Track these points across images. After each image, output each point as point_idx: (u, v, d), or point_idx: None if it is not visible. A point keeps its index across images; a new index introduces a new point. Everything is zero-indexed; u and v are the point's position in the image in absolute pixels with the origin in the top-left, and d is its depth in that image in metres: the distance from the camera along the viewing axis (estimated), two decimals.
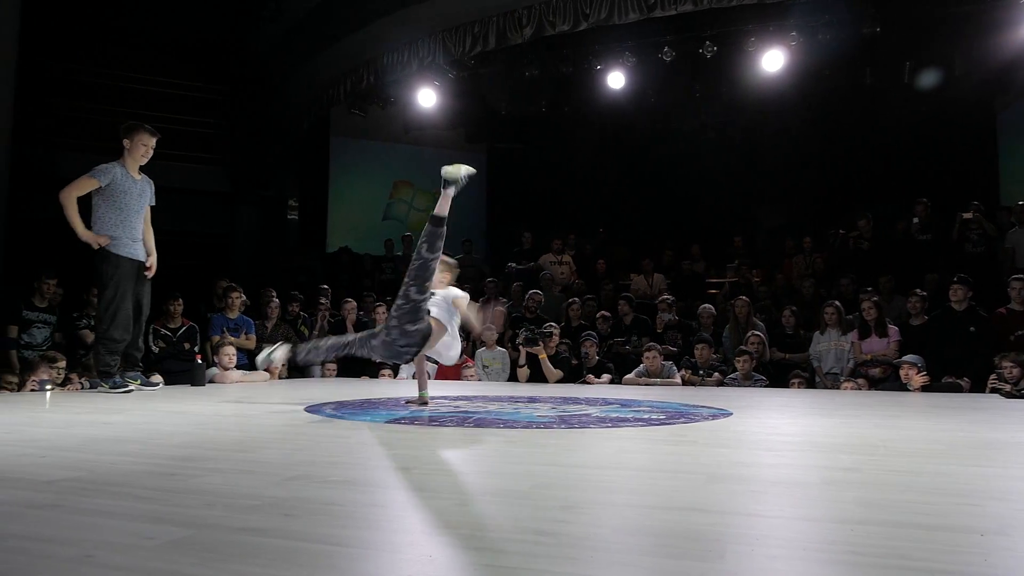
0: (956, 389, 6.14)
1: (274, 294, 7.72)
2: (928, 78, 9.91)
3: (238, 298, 7.07)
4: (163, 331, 6.56)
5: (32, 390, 5.12)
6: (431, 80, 10.30)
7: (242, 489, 1.80)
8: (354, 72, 10.01)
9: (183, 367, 6.19)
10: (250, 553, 1.26)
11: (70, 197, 4.73)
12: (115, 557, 1.23)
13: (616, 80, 9.97)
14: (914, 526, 1.51)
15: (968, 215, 8.58)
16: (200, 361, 5.90)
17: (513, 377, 7.35)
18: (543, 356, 7.01)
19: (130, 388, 4.94)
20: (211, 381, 5.99)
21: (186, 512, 1.55)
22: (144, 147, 5.03)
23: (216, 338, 6.77)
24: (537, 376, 7.04)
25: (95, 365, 5.10)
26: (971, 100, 10.60)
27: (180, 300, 6.73)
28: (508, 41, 8.51)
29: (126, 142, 4.99)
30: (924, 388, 6.01)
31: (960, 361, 6.35)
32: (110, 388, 4.88)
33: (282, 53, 10.66)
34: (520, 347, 7.10)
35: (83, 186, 4.79)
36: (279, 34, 10.47)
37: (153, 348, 6.41)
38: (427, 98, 10.61)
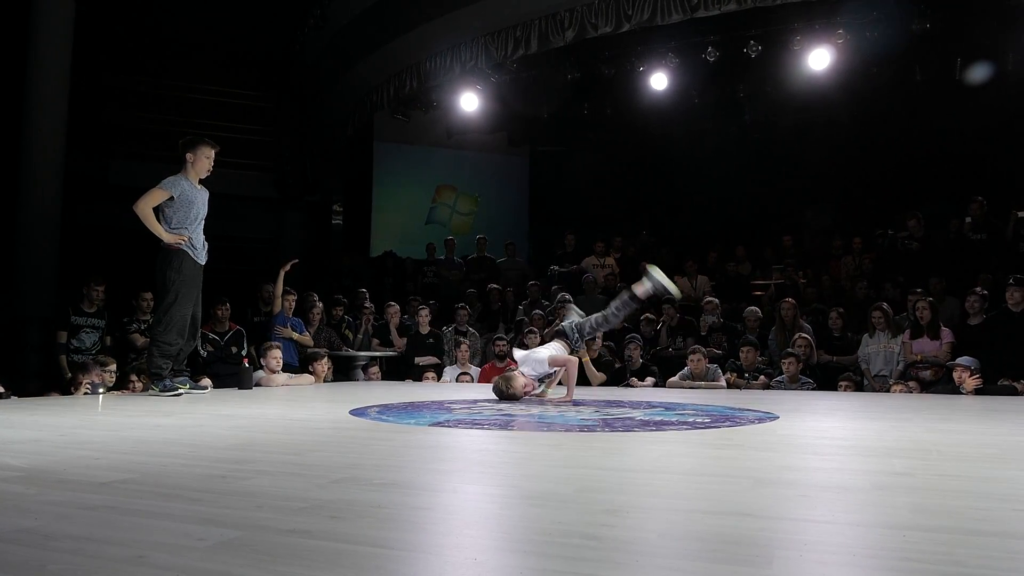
0: (1011, 392, 5.94)
1: (316, 298, 7.84)
2: (979, 73, 9.64)
3: (293, 300, 7.25)
4: (211, 335, 6.70)
5: (85, 393, 5.24)
6: (473, 84, 10.36)
7: (290, 491, 1.84)
8: (397, 77, 10.12)
9: (230, 371, 6.29)
10: (298, 555, 1.28)
11: (147, 207, 4.89)
12: (167, 558, 1.26)
13: (659, 81, 9.89)
14: (968, 532, 1.47)
15: (1023, 213, 8.31)
16: (247, 364, 6.01)
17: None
18: (586, 359, 7.00)
19: (180, 391, 5.04)
20: (257, 384, 6.09)
21: (235, 514, 1.58)
22: (207, 160, 5.18)
23: (283, 329, 6.96)
24: (580, 379, 7.01)
25: (147, 368, 5.23)
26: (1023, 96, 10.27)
27: (227, 305, 6.87)
28: (550, 44, 8.51)
29: (189, 156, 5.12)
30: (977, 391, 5.83)
31: (1016, 364, 6.15)
32: (160, 391, 4.99)
33: (327, 60, 10.84)
34: None
35: (157, 197, 4.95)
36: (324, 42, 10.65)
37: (201, 352, 6.50)
38: (469, 102, 10.67)
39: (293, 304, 7.28)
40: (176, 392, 5.00)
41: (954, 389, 6.06)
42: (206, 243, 5.20)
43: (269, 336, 6.96)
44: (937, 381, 6.51)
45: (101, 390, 5.28)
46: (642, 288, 5.07)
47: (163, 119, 11.10)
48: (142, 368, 5.77)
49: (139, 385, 5.67)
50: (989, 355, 6.23)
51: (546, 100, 11.58)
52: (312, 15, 10.24)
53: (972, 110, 10.33)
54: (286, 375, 6.41)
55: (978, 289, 6.94)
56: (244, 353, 6.68)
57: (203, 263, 5.20)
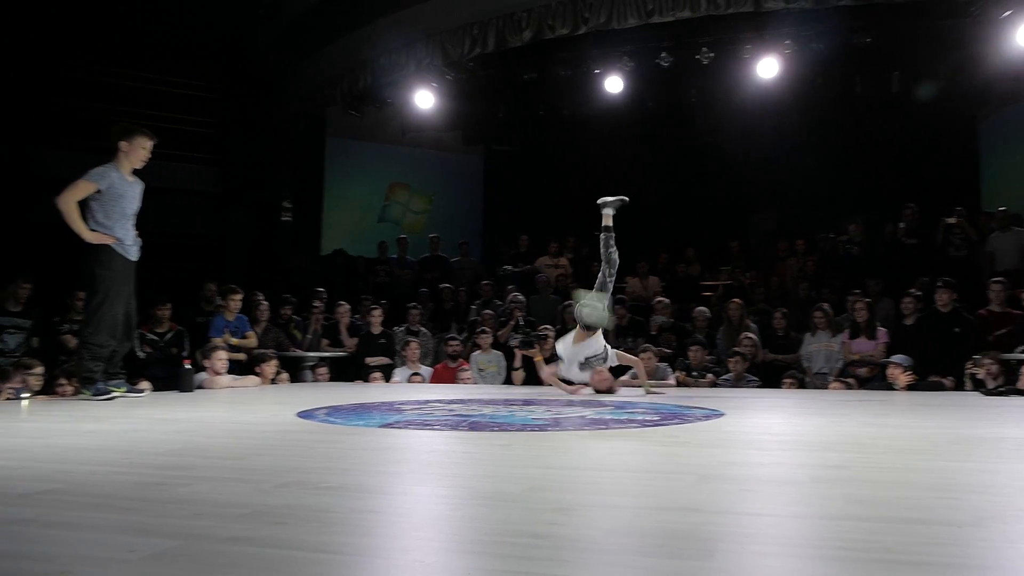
0: (939, 388, 6.23)
1: (262, 297, 7.68)
2: (915, 88, 10.08)
3: (238, 300, 7.00)
4: (150, 336, 6.47)
5: (8, 399, 4.88)
6: (429, 82, 10.29)
7: (231, 497, 1.79)
8: (351, 73, 9.99)
9: (171, 372, 6.01)
10: (239, 563, 1.24)
11: (70, 201, 4.59)
12: (93, 572, 1.20)
13: (614, 84, 9.99)
14: (898, 520, 1.54)
15: (952, 220, 8.73)
16: (188, 366, 5.80)
17: (508, 380, 7.36)
18: (539, 359, 7.01)
19: (113, 395, 4.76)
20: (200, 387, 5.87)
21: (172, 523, 1.51)
22: (143, 151, 4.88)
23: (218, 340, 6.73)
24: (533, 379, 7.05)
25: (77, 371, 4.92)
26: (955, 110, 10.79)
27: (168, 304, 6.64)
28: (507, 44, 8.52)
29: (124, 145, 4.82)
30: (909, 387, 6.08)
31: (945, 361, 6.44)
32: (92, 395, 4.71)
33: (278, 52, 10.63)
34: (516, 350, 7.12)
35: (82, 190, 4.64)
36: (275, 33, 10.45)
37: (139, 353, 6.25)
38: (424, 100, 10.59)
39: (239, 303, 7.10)
40: (109, 396, 4.73)
41: (888, 385, 6.31)
42: (139, 239, 4.90)
43: (209, 332, 6.78)
44: (873, 378, 6.77)
45: (26, 395, 4.89)
46: (606, 219, 5.67)
47: (98, 107, 10.65)
48: (72, 371, 5.36)
49: (69, 389, 5.31)
50: (921, 353, 6.51)
51: (502, 100, 11.59)
52: (264, 5, 10.05)
53: (906, 121, 10.78)
54: (230, 377, 6.20)
55: (912, 291, 7.24)
56: (186, 354, 6.46)
57: (134, 259, 4.89)
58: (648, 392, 5.48)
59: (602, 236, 5.64)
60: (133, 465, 2.30)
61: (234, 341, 6.72)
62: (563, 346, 5.60)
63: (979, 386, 5.81)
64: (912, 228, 8.91)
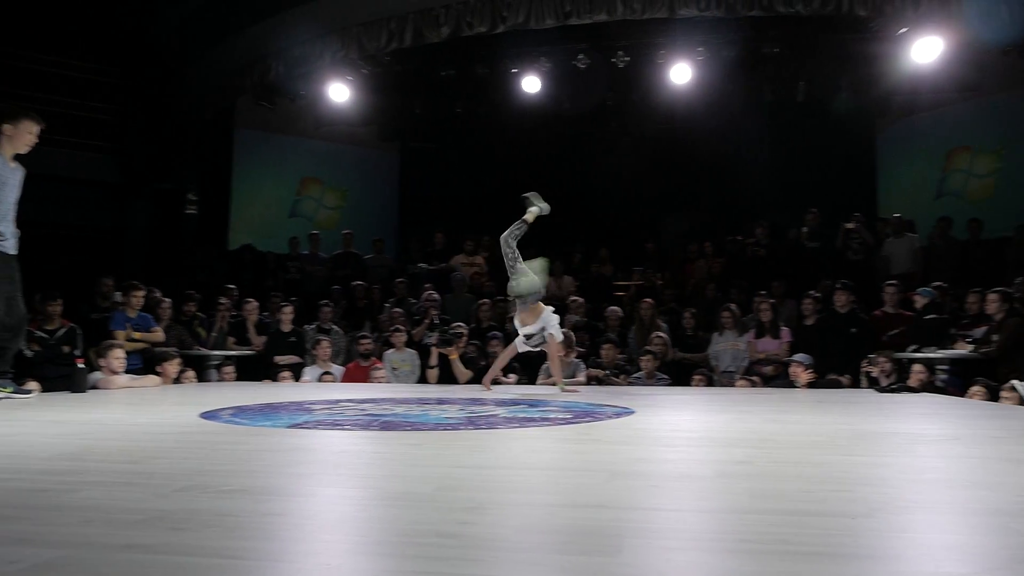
0: (837, 385, 6.57)
1: (159, 294, 7.38)
2: (819, 97, 10.63)
3: (140, 296, 6.75)
4: (38, 333, 6.08)
5: None
6: (344, 75, 10.09)
7: (125, 503, 1.69)
8: (262, 62, 9.67)
9: (62, 372, 5.66)
10: (132, 571, 1.18)
11: None
12: None
13: (531, 84, 10.07)
14: (796, 513, 1.60)
15: (850, 225, 9.21)
16: (82, 365, 5.48)
17: (423, 379, 7.31)
18: (454, 356, 7.00)
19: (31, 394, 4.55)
20: (94, 387, 5.55)
21: (59, 531, 1.42)
22: (29, 135, 4.57)
23: (121, 333, 6.43)
24: (447, 377, 7.02)
25: None
26: (856, 120, 11.42)
27: (59, 300, 6.27)
28: (425, 40, 8.46)
29: (7, 128, 4.51)
30: (810, 385, 6.38)
31: (842, 359, 6.79)
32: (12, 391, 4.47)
33: (185, 36, 10.17)
34: (433, 348, 7.07)
35: None
36: (182, 16, 9.98)
37: (26, 352, 5.85)
38: (339, 93, 10.39)
39: (142, 300, 6.81)
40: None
41: (791, 383, 6.58)
42: (18, 231, 4.60)
43: (110, 327, 6.49)
44: (777, 376, 7.06)
45: None
46: (529, 215, 5.87)
47: None
48: None
49: None
50: (820, 352, 6.84)
51: (419, 96, 11.49)
52: None
53: (811, 130, 11.32)
54: (128, 376, 5.88)
55: (812, 292, 7.60)
56: (78, 353, 6.10)
57: (13, 253, 4.57)
58: (563, 390, 5.54)
59: (516, 224, 5.82)
60: (18, 471, 2.15)
61: (137, 335, 6.52)
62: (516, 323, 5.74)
63: (873, 384, 6.13)
64: (815, 232, 9.36)
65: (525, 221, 5.82)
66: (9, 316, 4.58)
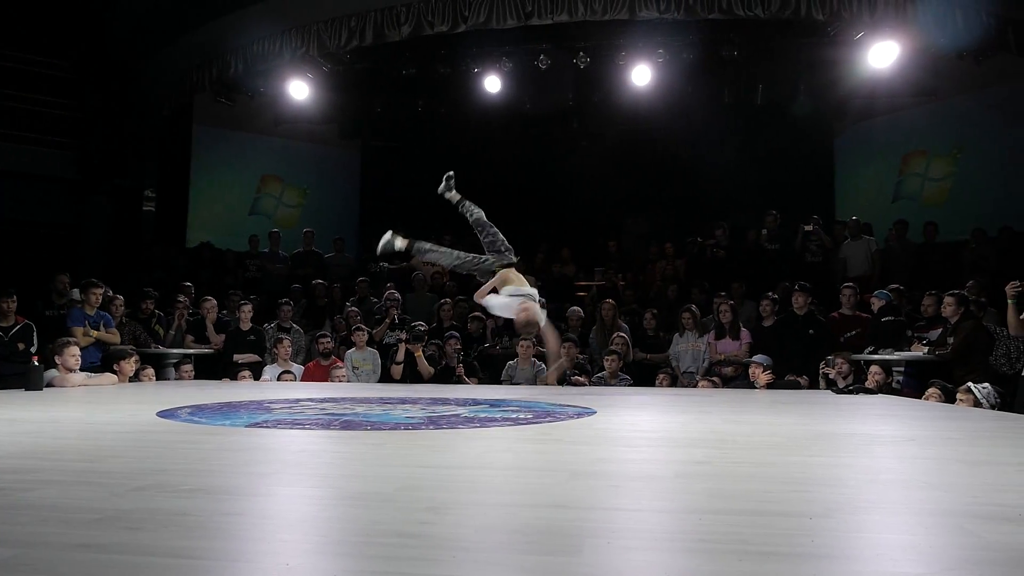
0: (795, 386, 6.66)
1: (111, 292, 7.24)
2: (778, 101, 10.80)
3: (99, 294, 6.65)
4: None
5: None
6: (304, 72, 9.99)
7: (81, 502, 1.67)
8: (221, 58, 9.51)
9: (16, 370, 5.58)
10: (88, 571, 1.17)
11: None
12: None
13: (492, 84, 10.07)
14: (754, 513, 1.63)
15: (808, 228, 9.36)
16: (37, 363, 5.38)
17: (384, 378, 7.26)
18: (419, 353, 7.01)
19: None
20: (49, 385, 5.46)
21: (14, 530, 1.41)
22: None
23: (79, 330, 6.30)
24: (411, 374, 7.02)
25: None
26: (814, 124, 11.63)
27: (14, 296, 6.14)
28: (386, 38, 8.40)
29: None
30: (769, 386, 6.47)
31: (800, 361, 6.90)
32: None
33: (143, 31, 9.95)
34: (401, 343, 7.06)
35: None
36: (140, 10, 9.77)
37: None
38: (299, 90, 10.27)
39: (100, 298, 6.67)
40: None
41: (750, 384, 6.68)
42: None
43: (68, 323, 6.36)
44: (737, 377, 7.15)
45: None
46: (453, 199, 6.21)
47: None
48: None
49: None
50: (779, 353, 6.93)
51: (380, 94, 11.42)
52: None
53: (770, 133, 11.50)
54: (84, 374, 5.79)
55: (770, 294, 7.71)
56: (34, 350, 5.99)
57: None
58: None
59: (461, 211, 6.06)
60: None
61: (95, 333, 6.47)
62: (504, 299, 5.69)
63: (831, 385, 6.23)
64: (773, 234, 9.50)
65: (459, 202, 6.20)
66: None
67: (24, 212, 9.79)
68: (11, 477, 1.99)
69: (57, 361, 5.69)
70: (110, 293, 7.22)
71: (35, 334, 6.19)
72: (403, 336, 7.12)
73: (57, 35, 10.54)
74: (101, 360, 6.51)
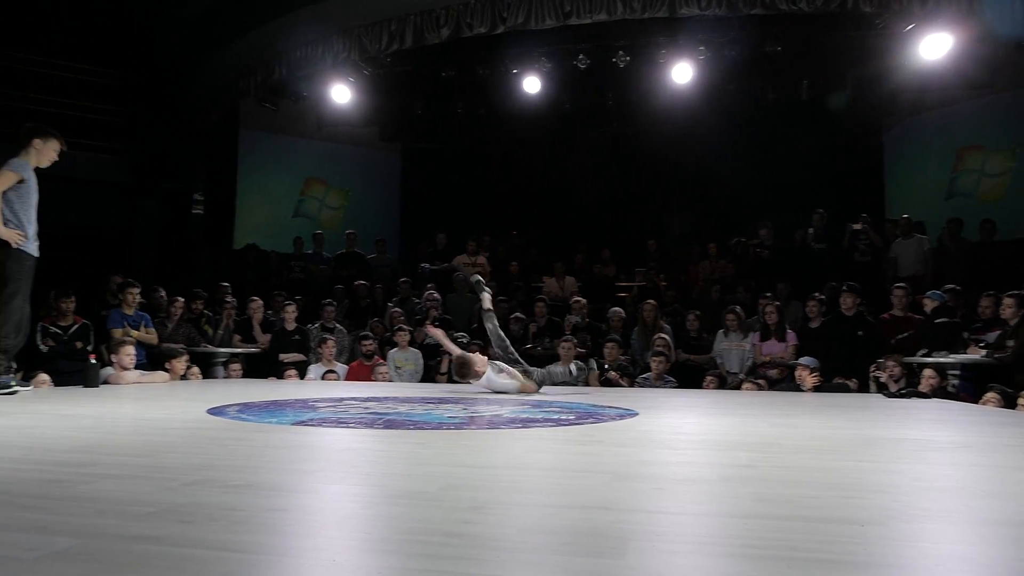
0: (844, 389, 6.50)
1: (164, 293, 7.44)
2: (824, 96, 10.55)
3: (136, 294, 6.80)
4: (53, 329, 6.20)
5: None
6: (345, 76, 10.12)
7: (136, 495, 1.72)
8: (265, 64, 9.71)
9: (74, 367, 5.83)
10: (142, 562, 1.21)
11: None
12: None
13: (531, 84, 10.07)
14: (802, 519, 1.59)
15: (857, 226, 9.12)
16: (94, 361, 5.58)
17: (426, 378, 7.33)
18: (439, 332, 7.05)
19: (15, 389, 4.66)
20: (105, 382, 5.67)
21: (74, 521, 1.46)
22: (53, 153, 4.93)
23: (118, 331, 6.49)
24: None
25: None
26: (862, 119, 11.32)
27: (72, 297, 6.38)
28: (425, 41, 8.46)
29: (38, 142, 4.86)
30: (816, 388, 6.33)
31: (848, 363, 6.73)
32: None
33: (190, 40, 10.22)
34: (446, 356, 7.12)
35: (8, 180, 4.68)
36: (187, 19, 10.03)
37: (41, 347, 6.07)
38: (341, 94, 10.42)
39: (136, 298, 6.85)
40: (11, 390, 4.61)
41: (796, 387, 6.54)
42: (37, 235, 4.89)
43: (108, 326, 6.55)
44: (782, 379, 7.01)
45: None
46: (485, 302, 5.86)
47: (2, 93, 10.05)
48: None
49: None
50: (826, 355, 6.78)
51: (420, 97, 11.51)
52: None
53: (816, 129, 11.25)
54: (138, 372, 6.02)
55: (817, 294, 7.54)
56: (91, 348, 6.20)
57: (37, 256, 4.88)
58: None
59: (486, 312, 5.84)
60: (34, 462, 2.20)
61: (135, 334, 6.61)
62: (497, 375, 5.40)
63: (882, 388, 6.07)
64: (820, 233, 9.30)
65: (488, 311, 5.81)
66: (18, 316, 4.77)
67: (80, 216, 10.10)
68: (71, 470, 2.06)
69: (113, 360, 5.92)
70: (163, 294, 7.43)
71: (92, 333, 6.42)
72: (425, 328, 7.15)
73: (108, 45, 10.88)
74: (146, 359, 6.70)
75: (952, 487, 2.08)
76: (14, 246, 4.67)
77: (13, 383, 4.71)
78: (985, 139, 10.54)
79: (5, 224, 4.66)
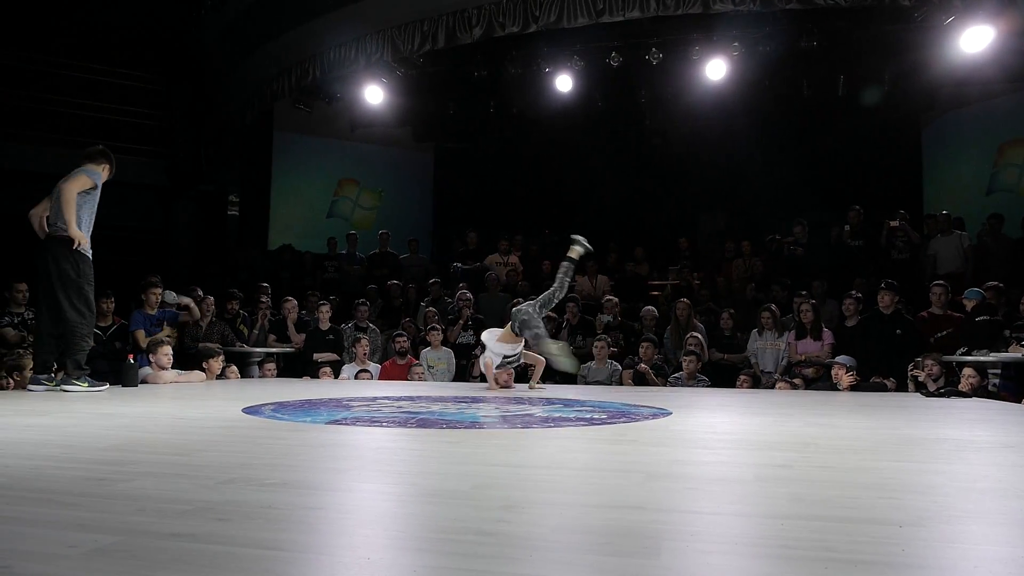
0: (882, 389, 6.38)
1: (201, 292, 7.55)
2: (860, 92, 10.36)
3: (158, 295, 6.84)
4: (93, 330, 6.33)
5: None
6: (378, 77, 10.20)
7: (175, 493, 1.76)
8: (299, 66, 9.83)
9: (114, 367, 5.94)
10: (181, 559, 1.23)
11: (73, 191, 4.87)
12: (34, 567, 1.18)
13: (564, 83, 10.05)
14: (839, 520, 1.56)
15: (895, 223, 8.94)
16: (132, 360, 5.70)
17: (458, 377, 7.36)
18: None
19: (105, 386, 5.00)
20: (143, 381, 5.78)
21: (114, 518, 1.49)
22: (108, 176, 5.25)
23: (140, 332, 6.57)
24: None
25: (71, 367, 4.98)
26: (899, 114, 11.12)
27: (112, 298, 6.51)
28: (457, 41, 8.49)
29: (106, 163, 5.22)
30: (852, 388, 6.22)
31: (887, 362, 6.60)
32: (88, 386, 4.91)
33: (225, 44, 10.40)
34: (480, 358, 7.18)
35: (83, 182, 4.94)
36: (222, 24, 10.21)
37: None
38: (374, 95, 10.51)
39: (160, 298, 6.87)
40: (102, 386, 4.96)
41: (833, 386, 6.44)
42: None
43: (130, 327, 6.67)
44: (818, 378, 6.91)
45: None
46: (573, 253, 5.88)
47: (40, 97, 10.32)
48: (18, 364, 5.36)
49: (10, 382, 5.27)
50: (863, 354, 6.66)
51: (452, 97, 11.55)
52: None
53: (852, 125, 11.06)
54: (175, 372, 6.11)
55: (853, 292, 7.42)
56: (129, 348, 6.33)
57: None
58: (532, 388, 5.69)
59: (564, 264, 5.85)
60: (75, 460, 2.25)
61: (183, 300, 6.82)
62: (489, 338, 5.76)
63: (920, 388, 5.94)
64: (857, 230, 9.14)
65: (571, 260, 5.89)
66: (90, 312, 5.06)
67: (118, 218, 10.30)
68: (110, 468, 2.10)
69: (151, 359, 6.02)
70: (200, 294, 7.56)
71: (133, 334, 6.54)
72: (478, 351, 7.22)
73: (146, 51, 11.13)
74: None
75: (993, 488, 2.03)
76: (80, 248, 4.85)
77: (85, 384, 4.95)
78: None
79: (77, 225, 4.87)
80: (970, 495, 1.91)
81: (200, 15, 10.31)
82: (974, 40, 8.22)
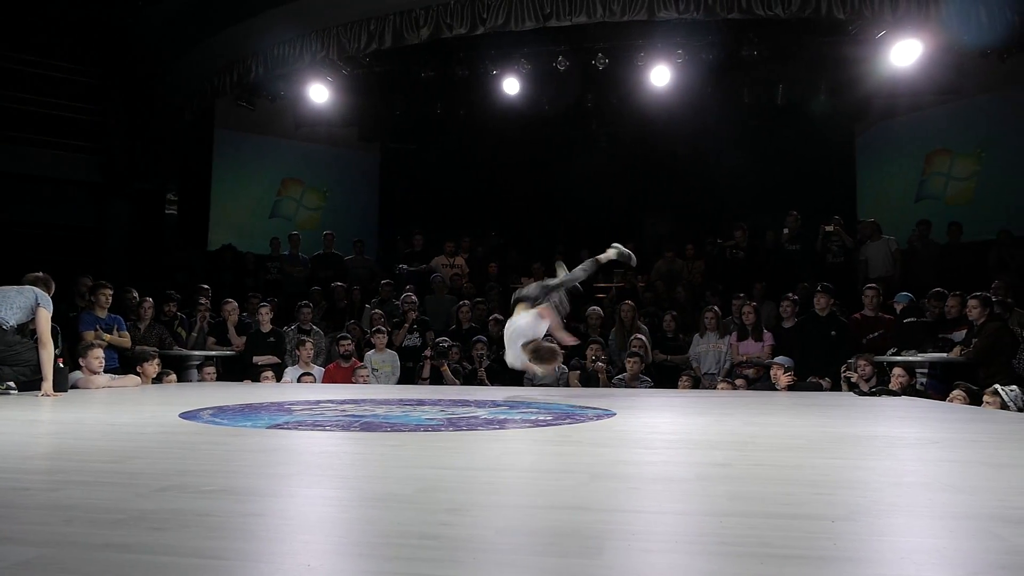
0: (817, 388, 6.59)
1: (136, 294, 7.33)
2: (798, 100, 10.70)
3: (108, 296, 6.65)
4: None
5: None
6: (324, 76, 10.06)
7: (105, 502, 1.70)
8: (242, 63, 9.60)
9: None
10: (113, 570, 1.19)
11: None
12: None
13: (511, 86, 10.08)
14: (775, 516, 1.62)
15: (830, 228, 9.24)
16: (62, 365, 5.46)
17: (403, 380, 7.32)
18: (444, 368, 7.14)
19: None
20: (74, 386, 5.55)
21: (40, 530, 1.43)
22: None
23: (90, 334, 6.34)
24: (437, 379, 7.15)
25: None
26: (835, 123, 11.50)
27: None
28: (404, 41, 8.43)
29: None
30: (790, 387, 6.41)
31: (822, 362, 6.82)
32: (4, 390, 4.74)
33: (164, 37, 10.08)
34: (429, 361, 7.20)
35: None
36: (162, 17, 9.90)
37: None
38: (319, 94, 10.36)
39: (109, 299, 6.70)
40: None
41: (772, 386, 6.62)
42: None
43: (80, 329, 6.41)
44: (759, 379, 7.09)
45: None
46: (605, 256, 6.01)
47: None
48: None
49: None
50: (800, 355, 6.87)
51: (399, 97, 11.47)
52: None
53: (790, 133, 11.40)
54: (108, 376, 5.89)
55: (791, 295, 7.64)
56: (58, 352, 6.06)
57: None
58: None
59: (589, 260, 5.99)
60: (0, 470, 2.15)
61: (107, 337, 6.47)
62: (517, 334, 5.04)
63: (853, 387, 6.16)
64: (794, 235, 9.42)
65: (597, 260, 5.98)
66: None
67: (48, 215, 9.94)
68: (37, 478, 2.02)
69: (81, 363, 5.79)
70: (135, 294, 7.32)
71: (60, 336, 6.27)
72: (427, 353, 7.26)
73: (82, 42, 10.70)
74: (119, 362, 6.58)
75: (920, 482, 2.13)
76: None
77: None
78: (952, 143, 10.78)
79: None
80: (898, 489, 1.99)
81: (138, 7, 9.99)
82: (904, 53, 8.59)
